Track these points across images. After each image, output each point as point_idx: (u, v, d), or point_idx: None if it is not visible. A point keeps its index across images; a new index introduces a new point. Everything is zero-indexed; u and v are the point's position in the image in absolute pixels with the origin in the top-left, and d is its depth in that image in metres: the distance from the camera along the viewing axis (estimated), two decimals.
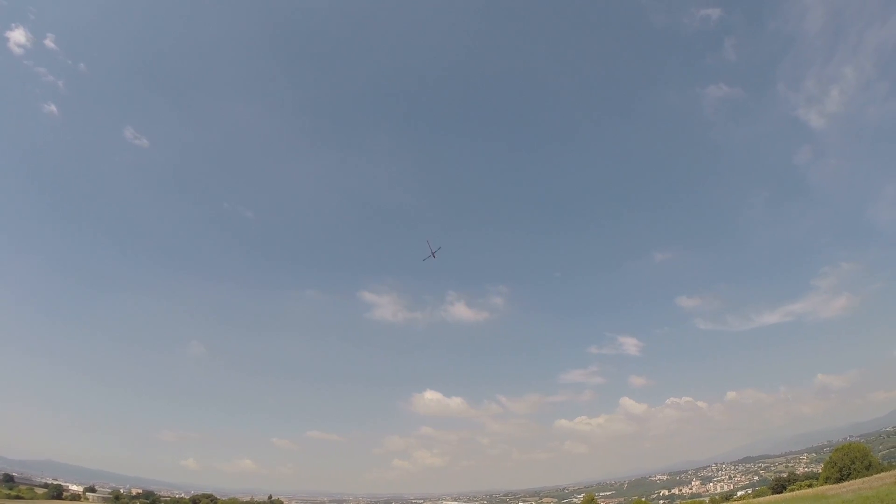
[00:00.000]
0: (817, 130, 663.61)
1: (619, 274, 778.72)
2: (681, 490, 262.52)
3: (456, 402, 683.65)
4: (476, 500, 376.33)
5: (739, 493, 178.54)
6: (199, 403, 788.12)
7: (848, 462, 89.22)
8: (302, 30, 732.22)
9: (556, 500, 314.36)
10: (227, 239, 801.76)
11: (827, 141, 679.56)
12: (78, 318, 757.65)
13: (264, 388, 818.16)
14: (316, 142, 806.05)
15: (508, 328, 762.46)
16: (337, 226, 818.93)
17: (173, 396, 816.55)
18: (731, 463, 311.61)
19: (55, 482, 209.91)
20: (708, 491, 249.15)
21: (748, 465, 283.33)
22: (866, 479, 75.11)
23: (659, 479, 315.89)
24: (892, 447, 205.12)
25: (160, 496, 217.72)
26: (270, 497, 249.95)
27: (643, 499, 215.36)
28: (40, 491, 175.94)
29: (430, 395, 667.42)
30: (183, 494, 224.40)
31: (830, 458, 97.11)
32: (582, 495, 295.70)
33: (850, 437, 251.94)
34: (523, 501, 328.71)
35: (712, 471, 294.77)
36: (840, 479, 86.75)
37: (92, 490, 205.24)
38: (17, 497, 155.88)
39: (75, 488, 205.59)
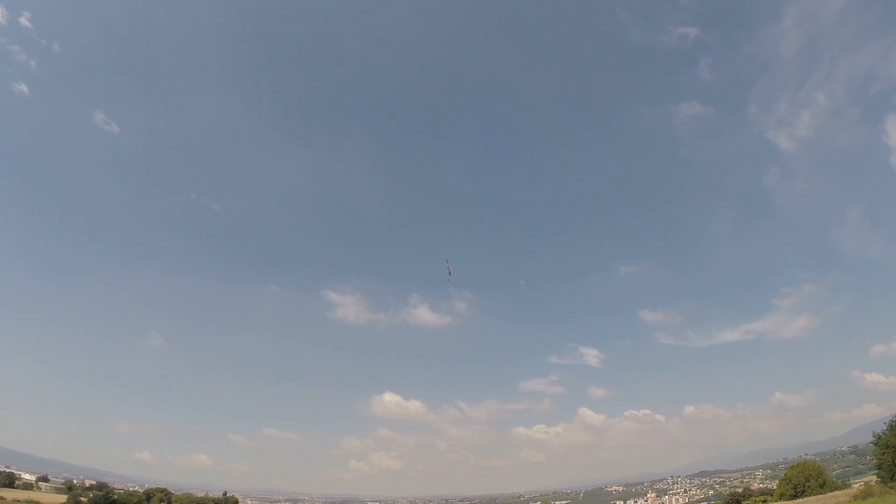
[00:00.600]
0: (786, 153, 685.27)
1: (584, 285, 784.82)
2: (636, 502, 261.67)
3: (415, 405, 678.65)
4: None
5: None
6: (157, 396, 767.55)
7: (803, 479, 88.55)
8: (281, 24, 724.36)
9: None
10: (192, 231, 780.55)
11: (795, 164, 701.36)
12: (35, 302, 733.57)
13: (223, 383, 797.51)
14: (287, 138, 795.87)
15: (471, 334, 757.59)
16: (304, 223, 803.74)
17: (130, 388, 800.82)
18: (687, 476, 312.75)
19: (7, 470, 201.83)
20: (664, 503, 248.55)
21: (704, 480, 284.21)
22: (820, 496, 74.88)
23: (615, 490, 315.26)
24: (847, 466, 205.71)
25: (114, 488, 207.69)
26: (225, 494, 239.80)
27: None
28: None
29: (390, 398, 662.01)
30: (137, 487, 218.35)
31: (786, 474, 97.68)
32: (538, 503, 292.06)
33: (806, 455, 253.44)
34: None
35: (668, 484, 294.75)
36: (794, 496, 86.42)
37: (45, 479, 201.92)
38: None
39: (28, 477, 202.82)
